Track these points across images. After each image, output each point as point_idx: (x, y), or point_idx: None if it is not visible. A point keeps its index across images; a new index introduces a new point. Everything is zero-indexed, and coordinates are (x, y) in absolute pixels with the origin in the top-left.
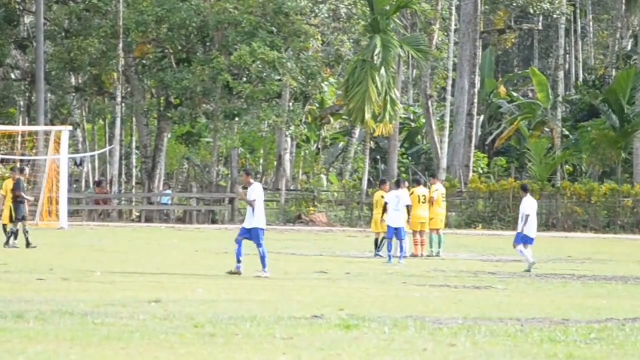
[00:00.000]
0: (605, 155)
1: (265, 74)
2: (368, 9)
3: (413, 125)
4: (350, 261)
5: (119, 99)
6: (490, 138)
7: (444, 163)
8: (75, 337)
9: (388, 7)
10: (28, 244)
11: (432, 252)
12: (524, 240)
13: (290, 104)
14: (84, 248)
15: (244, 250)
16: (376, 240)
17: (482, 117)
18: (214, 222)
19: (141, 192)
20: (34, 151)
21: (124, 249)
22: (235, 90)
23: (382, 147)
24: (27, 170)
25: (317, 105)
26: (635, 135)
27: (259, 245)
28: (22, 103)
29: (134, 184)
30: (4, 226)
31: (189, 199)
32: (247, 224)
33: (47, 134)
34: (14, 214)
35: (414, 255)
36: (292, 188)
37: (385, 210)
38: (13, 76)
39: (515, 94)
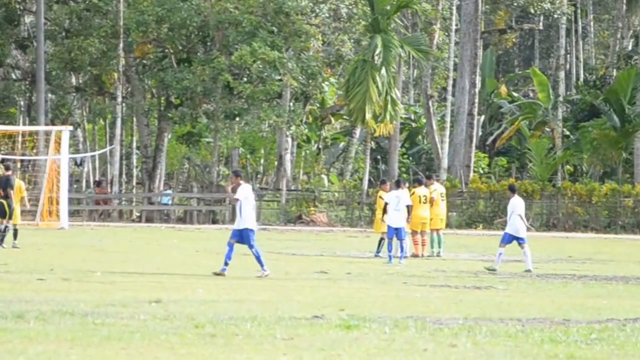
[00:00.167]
0: (606, 155)
1: (265, 74)
2: (368, 8)
3: (414, 125)
4: (351, 261)
5: (119, 99)
6: (491, 138)
7: (444, 163)
8: (76, 337)
9: (388, 7)
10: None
11: (432, 252)
12: (510, 240)
13: (291, 104)
14: (84, 248)
15: (234, 254)
16: (380, 240)
17: (482, 117)
18: (214, 222)
19: (141, 192)
20: (34, 151)
21: (124, 249)
22: (235, 90)
23: (382, 147)
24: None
25: (318, 105)
26: (636, 135)
27: (251, 246)
28: (22, 103)
29: (134, 183)
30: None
31: (190, 198)
32: (237, 225)
33: (48, 133)
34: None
35: (414, 255)
36: (292, 188)
37: (385, 210)
38: (13, 76)
39: (515, 94)
